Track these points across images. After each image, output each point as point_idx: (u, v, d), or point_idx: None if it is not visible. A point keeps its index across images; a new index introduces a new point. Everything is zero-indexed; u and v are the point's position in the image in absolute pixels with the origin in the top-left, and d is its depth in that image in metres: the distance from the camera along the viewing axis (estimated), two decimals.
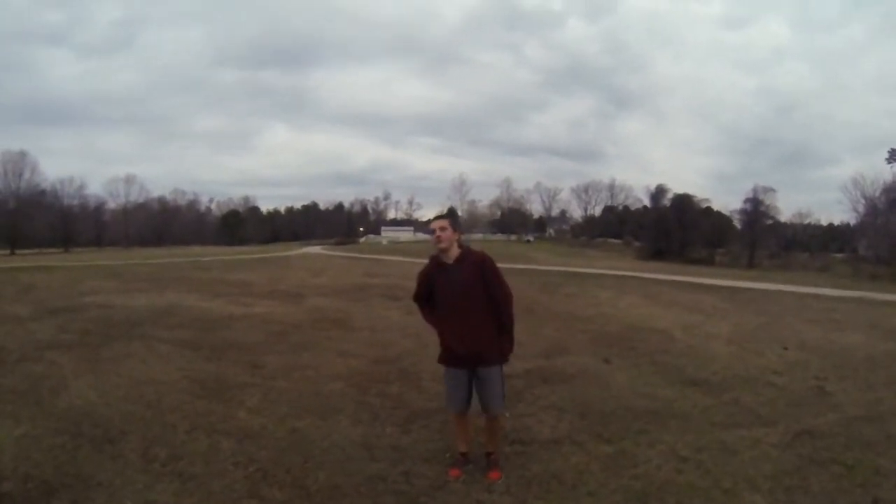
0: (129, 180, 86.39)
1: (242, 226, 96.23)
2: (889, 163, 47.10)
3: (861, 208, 51.14)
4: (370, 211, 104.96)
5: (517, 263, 27.31)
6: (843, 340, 9.61)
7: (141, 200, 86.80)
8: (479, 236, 76.88)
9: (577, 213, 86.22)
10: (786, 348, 8.92)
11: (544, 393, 5.61)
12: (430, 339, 8.68)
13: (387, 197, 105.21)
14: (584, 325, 10.09)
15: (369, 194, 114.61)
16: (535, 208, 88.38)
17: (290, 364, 6.71)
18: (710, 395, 6.15)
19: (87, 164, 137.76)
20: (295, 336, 8.60)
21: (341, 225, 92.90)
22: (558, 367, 6.71)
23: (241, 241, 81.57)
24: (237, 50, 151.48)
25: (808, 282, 24.53)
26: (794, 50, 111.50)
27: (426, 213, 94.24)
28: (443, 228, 3.68)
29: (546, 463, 4.00)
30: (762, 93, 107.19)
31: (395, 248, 50.37)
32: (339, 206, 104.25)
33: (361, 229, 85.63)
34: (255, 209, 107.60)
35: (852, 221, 55.89)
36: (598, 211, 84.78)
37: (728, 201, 77.45)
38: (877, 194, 48.62)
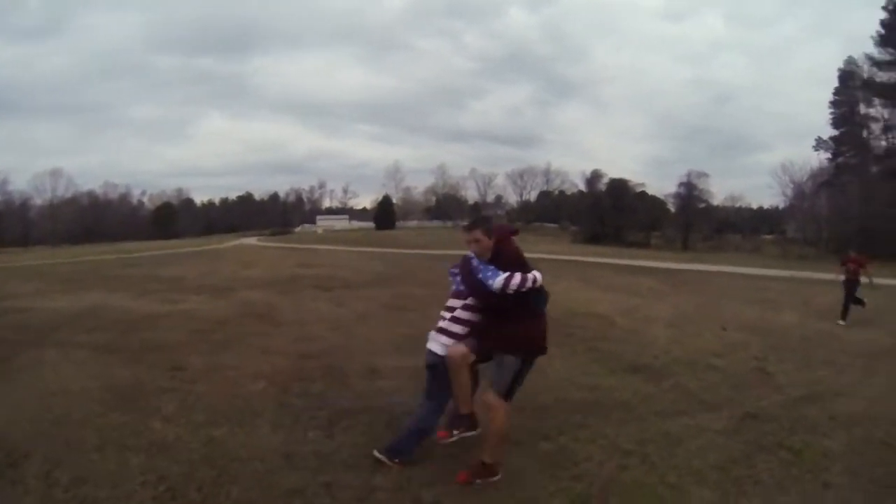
0: (56, 174, 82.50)
1: (176, 219, 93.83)
2: (816, 150, 53.04)
3: (790, 192, 56.88)
4: (305, 200, 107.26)
5: (453, 249, 27.83)
6: (779, 320, 10.34)
7: (69, 195, 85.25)
8: (413, 223, 79.76)
9: (512, 198, 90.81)
10: (724, 329, 9.46)
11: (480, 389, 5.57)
12: (358, 332, 8.58)
13: (322, 186, 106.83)
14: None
15: (305, 183, 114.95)
16: (471, 194, 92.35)
17: (212, 364, 6.66)
18: (652, 381, 6.29)
19: (12, 157, 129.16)
20: (219, 333, 8.53)
21: (277, 215, 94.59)
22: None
23: (175, 235, 79.47)
24: (175, 35, 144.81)
25: (741, 262, 26.75)
26: (729, 44, 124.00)
27: (361, 202, 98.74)
28: (476, 241, 3.77)
29: None
30: (699, 83, 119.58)
31: (330, 237, 50.98)
32: (275, 196, 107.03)
33: (307, 224, 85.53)
34: (189, 201, 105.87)
35: (781, 205, 61.68)
36: (533, 196, 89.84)
37: (663, 186, 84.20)
38: (804, 179, 54.45)
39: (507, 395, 3.79)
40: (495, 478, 3.69)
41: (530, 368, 3.91)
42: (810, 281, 18.96)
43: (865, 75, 47.57)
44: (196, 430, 4.59)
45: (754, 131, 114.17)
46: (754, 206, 73.82)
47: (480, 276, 3.74)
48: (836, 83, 50.34)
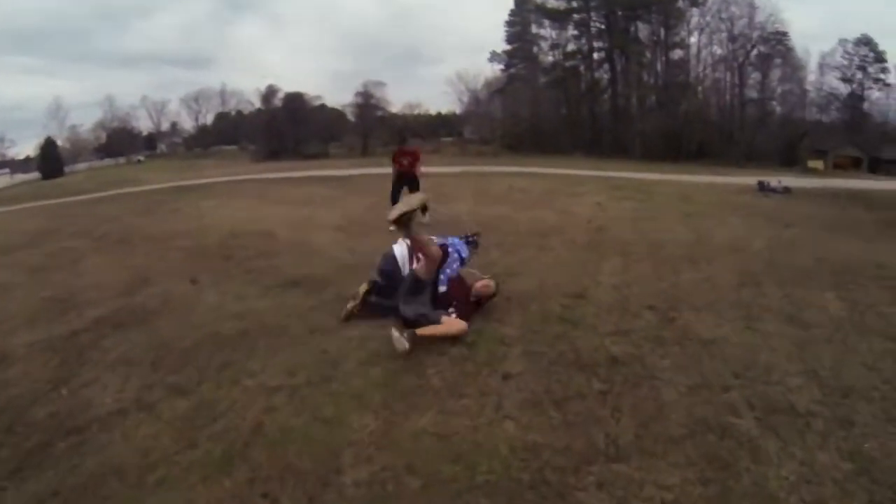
0: None
1: None
2: (490, 62, 63.90)
3: (465, 99, 66.79)
4: None
5: (125, 188, 25.76)
6: (452, 211, 10.87)
7: None
8: (84, 166, 74.37)
9: (188, 123, 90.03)
10: (392, 229, 9.49)
11: (114, 344, 4.87)
12: None
13: None
14: (180, 242, 9.55)
15: None
16: (144, 125, 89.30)
17: None
18: (312, 294, 5.81)
19: None
20: None
21: None
22: (137, 305, 5.99)
23: None
24: None
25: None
26: None
27: (23, 151, 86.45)
28: None
29: (104, 451, 3.22)
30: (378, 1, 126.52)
31: None
32: None
33: None
34: None
35: (458, 110, 71.40)
36: (210, 119, 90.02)
37: (342, 98, 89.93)
38: (479, 87, 64.55)
39: None
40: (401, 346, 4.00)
41: None
42: (485, 173, 21.89)
43: (539, 0, 58.21)
44: None
45: (431, 45, 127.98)
46: (433, 112, 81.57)
47: None
48: (512, 5, 60.72)
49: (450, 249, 5.07)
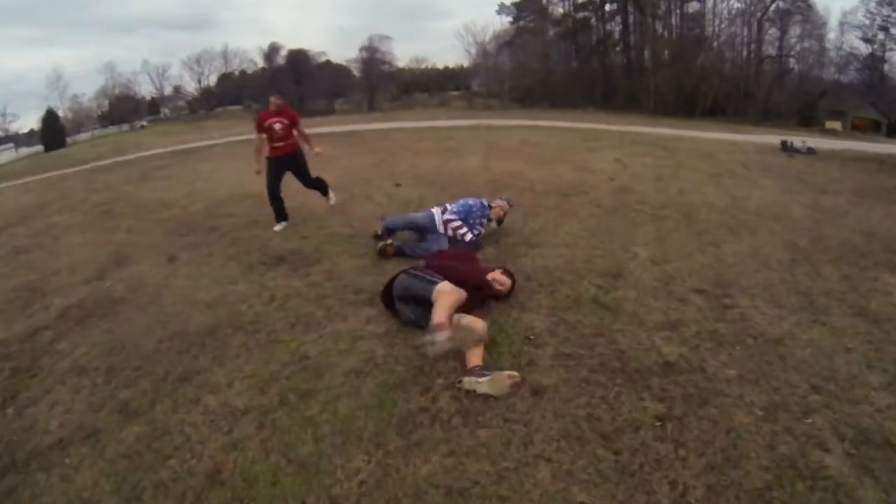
0: None
1: None
2: (499, 14, 63.12)
3: (473, 52, 64.60)
4: None
5: (126, 155, 24.38)
6: (463, 166, 10.06)
7: None
8: (86, 135, 73.08)
9: (191, 86, 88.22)
10: (399, 185, 8.93)
11: (71, 347, 4.07)
12: None
13: None
14: (167, 212, 8.63)
15: None
16: (147, 90, 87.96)
17: None
18: (298, 273, 4.99)
19: None
20: None
21: None
22: (105, 293, 5.12)
23: None
24: None
25: (427, 117, 27.49)
26: None
27: (26, 124, 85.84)
28: None
29: (38, 500, 2.54)
30: None
31: None
32: None
33: None
34: None
35: (466, 63, 69.33)
36: (213, 81, 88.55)
37: (348, 54, 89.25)
38: (487, 40, 62.16)
39: None
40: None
41: None
42: (495, 127, 20.56)
43: None
44: None
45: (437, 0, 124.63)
46: (440, 66, 79.64)
47: None
48: None
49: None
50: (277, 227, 6.62)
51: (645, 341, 3.40)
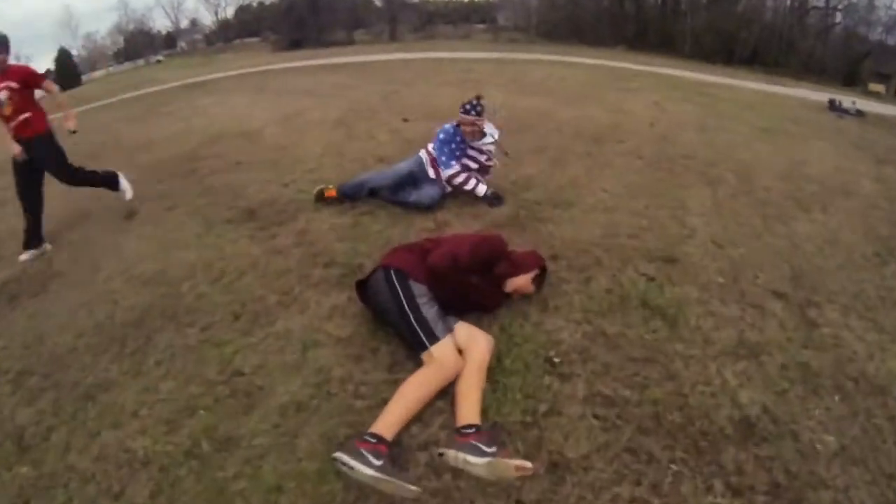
0: None
1: None
2: None
3: None
4: None
5: (140, 90, 22.94)
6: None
7: None
8: (101, 73, 71.63)
9: (208, 19, 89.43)
10: (406, 120, 7.85)
11: None
12: None
13: None
14: (151, 154, 7.51)
15: None
16: (162, 24, 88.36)
17: None
18: (263, 234, 4.00)
19: None
20: None
21: None
22: (47, 261, 4.21)
23: None
24: None
25: (450, 49, 25.86)
26: None
27: (41, 65, 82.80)
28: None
29: None
30: None
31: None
32: None
33: None
34: None
35: None
36: (230, 13, 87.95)
37: None
38: None
39: None
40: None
41: None
42: (518, 61, 18.97)
43: None
44: None
45: None
46: None
47: None
48: None
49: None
50: (24, 257, 4.17)
51: (714, 378, 2.36)
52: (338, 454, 1.87)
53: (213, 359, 2.57)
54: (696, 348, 2.56)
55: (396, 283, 2.45)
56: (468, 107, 4.20)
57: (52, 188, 4.58)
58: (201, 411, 2.25)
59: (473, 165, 4.34)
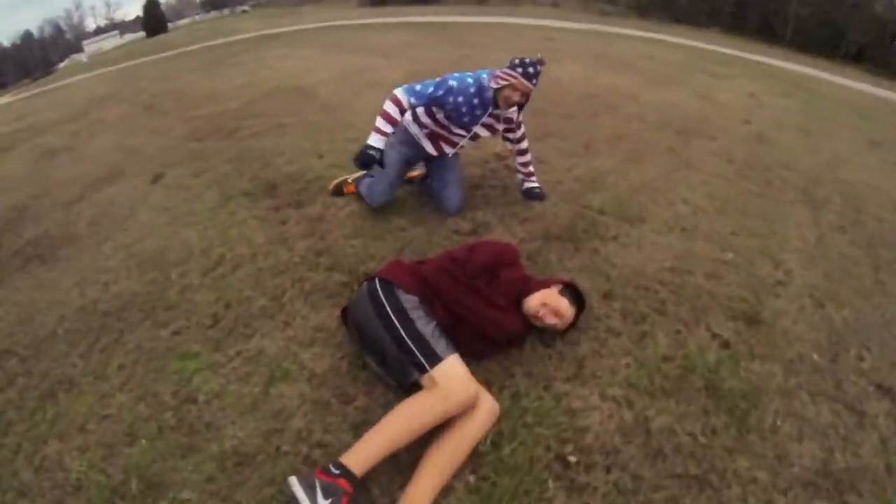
0: None
1: None
2: None
3: None
4: (65, 28, 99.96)
5: (218, 39, 22.97)
6: (555, 73, 8.18)
7: None
8: (186, 21, 76.30)
9: None
10: None
11: None
12: None
13: (78, 6, 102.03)
14: (204, 108, 7.15)
15: (58, 9, 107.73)
16: None
17: None
18: (272, 219, 3.49)
19: None
20: None
21: (36, 59, 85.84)
22: (68, 223, 3.95)
23: None
24: None
25: (535, 14, 24.71)
26: None
27: (131, 11, 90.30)
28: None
29: None
30: None
31: (98, 61, 39.85)
32: (28, 36, 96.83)
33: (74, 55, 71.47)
34: None
35: None
36: None
37: None
38: None
39: None
40: None
41: None
42: (606, 34, 17.75)
43: None
44: None
45: None
46: None
47: None
48: None
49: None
50: None
51: None
52: (290, 479, 1.51)
53: (173, 374, 2.17)
54: (764, 469, 1.82)
55: (381, 294, 1.94)
56: (531, 70, 2.94)
57: (87, 147, 4.26)
58: (143, 440, 1.88)
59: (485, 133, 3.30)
